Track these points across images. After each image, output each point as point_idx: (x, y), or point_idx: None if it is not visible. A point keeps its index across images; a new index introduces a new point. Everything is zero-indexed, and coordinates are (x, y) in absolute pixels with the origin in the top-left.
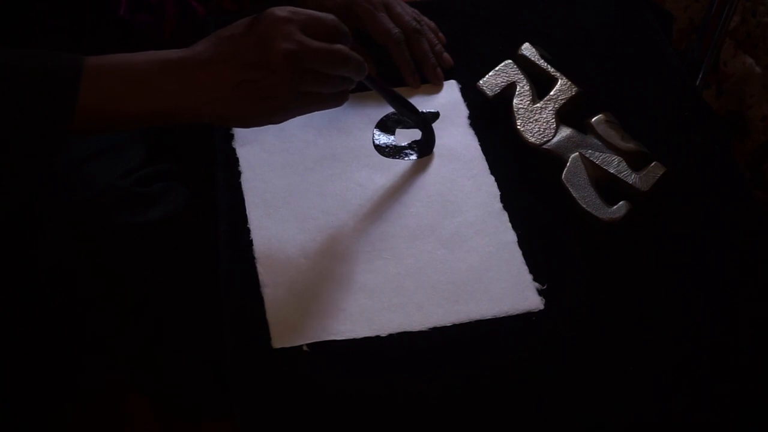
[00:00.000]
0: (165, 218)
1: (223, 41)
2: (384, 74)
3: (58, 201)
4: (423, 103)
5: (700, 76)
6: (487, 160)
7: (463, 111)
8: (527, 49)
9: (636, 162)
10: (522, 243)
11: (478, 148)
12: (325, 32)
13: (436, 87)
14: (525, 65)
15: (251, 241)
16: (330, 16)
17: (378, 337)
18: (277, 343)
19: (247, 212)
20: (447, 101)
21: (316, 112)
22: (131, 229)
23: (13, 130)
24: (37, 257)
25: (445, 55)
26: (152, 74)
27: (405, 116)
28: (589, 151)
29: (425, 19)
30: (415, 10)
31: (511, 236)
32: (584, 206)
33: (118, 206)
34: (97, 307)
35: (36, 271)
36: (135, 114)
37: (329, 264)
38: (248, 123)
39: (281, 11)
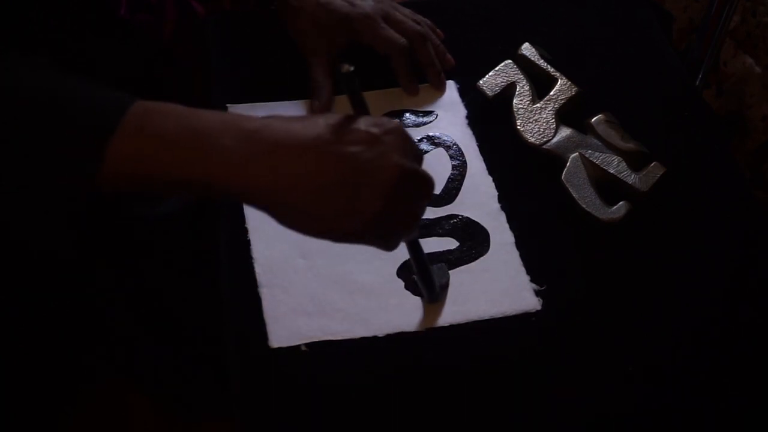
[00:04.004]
0: (174, 213)
1: (325, 125)
2: (383, 77)
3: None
4: (422, 104)
5: (700, 76)
6: (487, 160)
7: (461, 111)
8: (527, 49)
9: (636, 162)
10: (520, 243)
11: (476, 148)
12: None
13: (438, 92)
14: (525, 65)
15: (249, 241)
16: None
17: (375, 337)
18: (275, 342)
19: (245, 212)
20: (444, 101)
21: None
22: (141, 222)
23: (43, 164)
24: (45, 249)
25: (448, 56)
26: (211, 131)
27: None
28: (589, 151)
29: (422, 18)
30: (410, 11)
31: (509, 237)
32: (584, 206)
33: (127, 198)
34: (103, 300)
35: (43, 264)
36: (175, 178)
37: (327, 264)
38: (306, 226)
39: (398, 124)
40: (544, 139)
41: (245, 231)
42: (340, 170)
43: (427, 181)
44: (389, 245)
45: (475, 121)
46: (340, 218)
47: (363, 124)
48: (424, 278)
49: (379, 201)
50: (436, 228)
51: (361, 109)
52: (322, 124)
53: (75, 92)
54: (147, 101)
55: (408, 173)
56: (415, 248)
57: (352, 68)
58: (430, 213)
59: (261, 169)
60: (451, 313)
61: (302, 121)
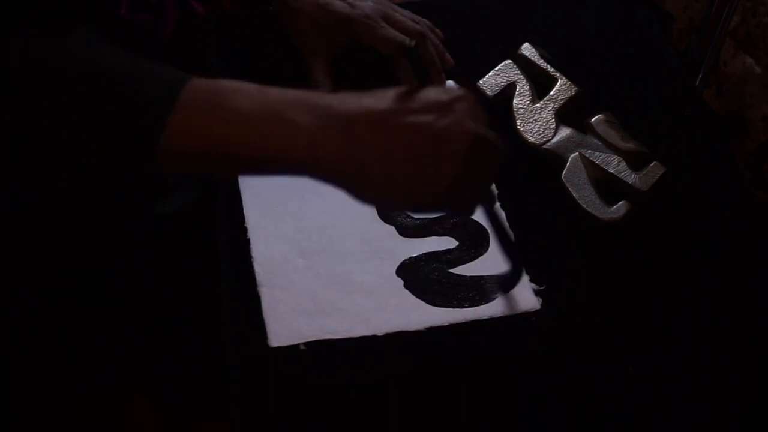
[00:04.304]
0: (174, 213)
1: (396, 97)
2: (383, 77)
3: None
4: None
5: (700, 76)
6: None
7: None
8: (527, 49)
9: (636, 162)
10: (520, 243)
11: None
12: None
13: None
14: (525, 65)
15: (249, 240)
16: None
17: (374, 336)
18: (275, 342)
19: (245, 211)
20: None
21: None
22: (141, 222)
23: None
24: (48, 249)
25: (447, 56)
26: (285, 107)
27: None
28: (589, 151)
29: (420, 18)
30: (409, 11)
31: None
32: (584, 206)
33: (135, 195)
34: (103, 300)
35: (45, 264)
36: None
37: (326, 263)
38: (384, 198)
39: (466, 92)
40: (544, 139)
41: (245, 231)
42: (416, 140)
43: (497, 143)
44: (468, 211)
45: None
46: (418, 188)
47: (433, 93)
48: (506, 249)
49: (454, 169)
50: (436, 227)
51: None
52: (392, 95)
53: (134, 67)
54: (208, 79)
55: (481, 138)
56: (494, 217)
57: (413, 42)
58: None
59: (337, 143)
60: (450, 313)
61: (372, 95)
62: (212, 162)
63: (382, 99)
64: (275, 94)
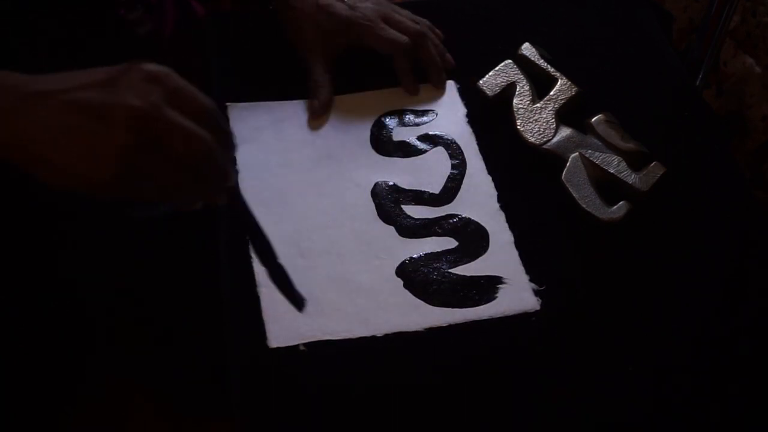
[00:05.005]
0: (174, 213)
1: (68, 76)
2: (383, 77)
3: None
4: (422, 104)
5: (700, 76)
6: (487, 160)
7: (461, 110)
8: (527, 49)
9: (636, 162)
10: (520, 243)
11: (476, 147)
12: (194, 115)
13: (438, 90)
14: (525, 65)
15: (248, 240)
16: (210, 102)
17: (374, 337)
18: (274, 342)
19: None
20: (444, 101)
21: None
22: (140, 223)
23: None
24: (47, 249)
25: (448, 56)
26: None
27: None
28: (589, 151)
29: (420, 18)
30: (408, 12)
31: (508, 236)
32: (584, 206)
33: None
34: (103, 300)
35: (45, 264)
36: None
37: (326, 264)
38: (57, 177)
39: (153, 67)
40: (544, 139)
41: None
42: (72, 116)
43: (174, 124)
44: (171, 196)
45: (475, 120)
46: (85, 165)
47: (109, 69)
48: (274, 272)
49: (114, 143)
50: (435, 227)
51: None
52: (81, 74)
53: None
54: None
55: (142, 114)
56: (242, 216)
57: None
58: (430, 212)
59: (10, 123)
60: (449, 313)
61: (67, 74)
62: None
63: (65, 77)
64: None
